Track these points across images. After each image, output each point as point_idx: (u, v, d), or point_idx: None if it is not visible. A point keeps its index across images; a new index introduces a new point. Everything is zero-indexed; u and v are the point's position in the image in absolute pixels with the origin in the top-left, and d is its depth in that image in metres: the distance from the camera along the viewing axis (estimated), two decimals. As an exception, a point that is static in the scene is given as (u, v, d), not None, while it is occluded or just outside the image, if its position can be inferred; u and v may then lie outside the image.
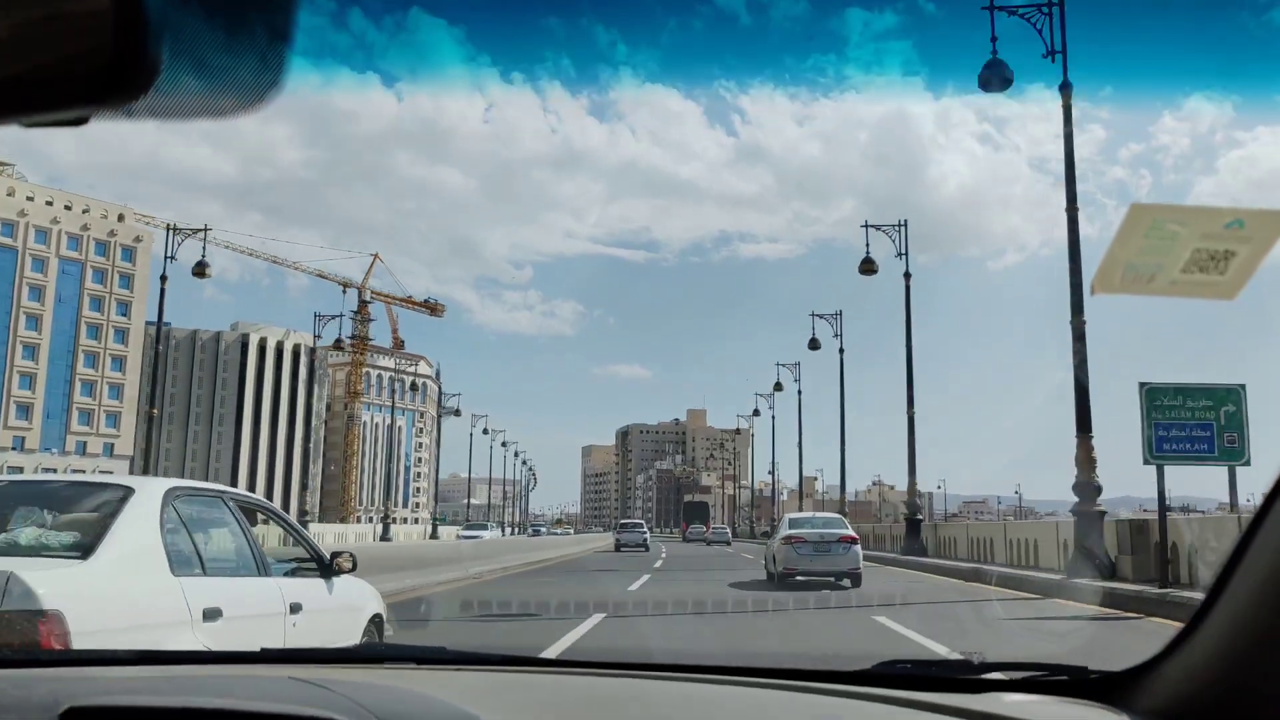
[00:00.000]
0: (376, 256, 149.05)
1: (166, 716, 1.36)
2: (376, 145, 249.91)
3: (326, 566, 5.36)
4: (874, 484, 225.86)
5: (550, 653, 3.72)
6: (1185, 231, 1.13)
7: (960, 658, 1.73)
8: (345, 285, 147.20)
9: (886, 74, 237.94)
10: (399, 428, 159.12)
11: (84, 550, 3.85)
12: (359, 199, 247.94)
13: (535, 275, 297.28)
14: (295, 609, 4.82)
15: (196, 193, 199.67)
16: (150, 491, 4.27)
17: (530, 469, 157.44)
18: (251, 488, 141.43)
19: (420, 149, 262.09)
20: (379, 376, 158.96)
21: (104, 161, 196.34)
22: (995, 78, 17.86)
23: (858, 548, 17.65)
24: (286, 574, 5.16)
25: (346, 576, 5.52)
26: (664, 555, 36.36)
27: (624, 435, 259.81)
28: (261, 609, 4.62)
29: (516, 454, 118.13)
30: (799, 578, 17.35)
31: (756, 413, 66.77)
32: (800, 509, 47.34)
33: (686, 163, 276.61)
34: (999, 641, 10.33)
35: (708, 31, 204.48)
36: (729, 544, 59.10)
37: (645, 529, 48.30)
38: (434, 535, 62.06)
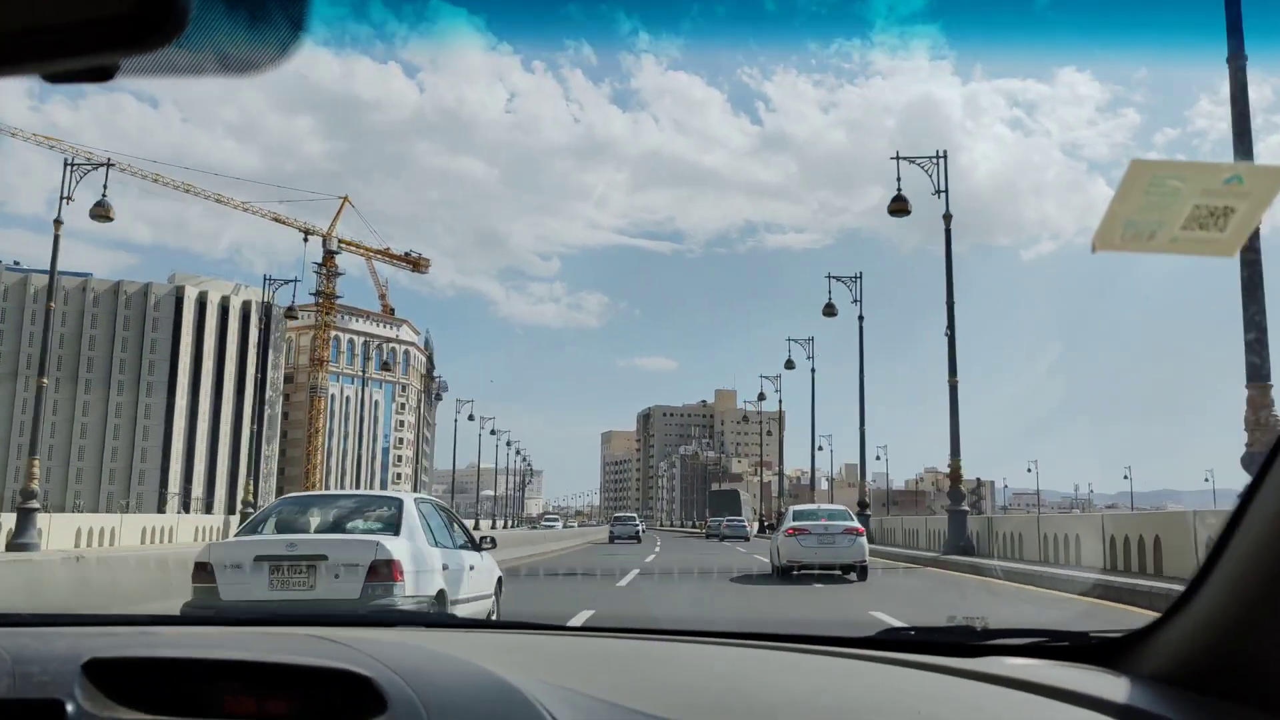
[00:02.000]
0: (345, 200, 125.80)
1: (185, 668, 1.38)
2: (398, 136, 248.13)
3: (477, 545, 8.91)
4: (924, 472, 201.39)
5: None
6: (1185, 188, 1.12)
7: (963, 623, 1.75)
8: (306, 231, 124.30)
9: (913, 59, 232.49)
10: (375, 402, 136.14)
11: (394, 530, 7.38)
12: (380, 190, 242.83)
13: (561, 267, 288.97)
14: (471, 567, 8.34)
15: (220, 186, 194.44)
16: (410, 499, 8.07)
17: (527, 462, 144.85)
18: (189, 469, 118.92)
19: (442, 139, 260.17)
20: (350, 342, 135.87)
21: (127, 152, 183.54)
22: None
23: (863, 540, 17.45)
24: (459, 547, 8.44)
25: (488, 551, 9.18)
26: (657, 548, 35.77)
27: (645, 419, 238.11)
28: (460, 566, 8.02)
29: (509, 444, 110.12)
30: (803, 570, 17.19)
31: (762, 396, 63.26)
32: (831, 499, 44.37)
33: (710, 151, 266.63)
34: None
35: (730, 17, 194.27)
36: (747, 539, 49.31)
37: (638, 522, 52.53)
38: None
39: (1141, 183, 1.12)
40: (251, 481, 41.47)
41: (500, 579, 9.45)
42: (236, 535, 8.45)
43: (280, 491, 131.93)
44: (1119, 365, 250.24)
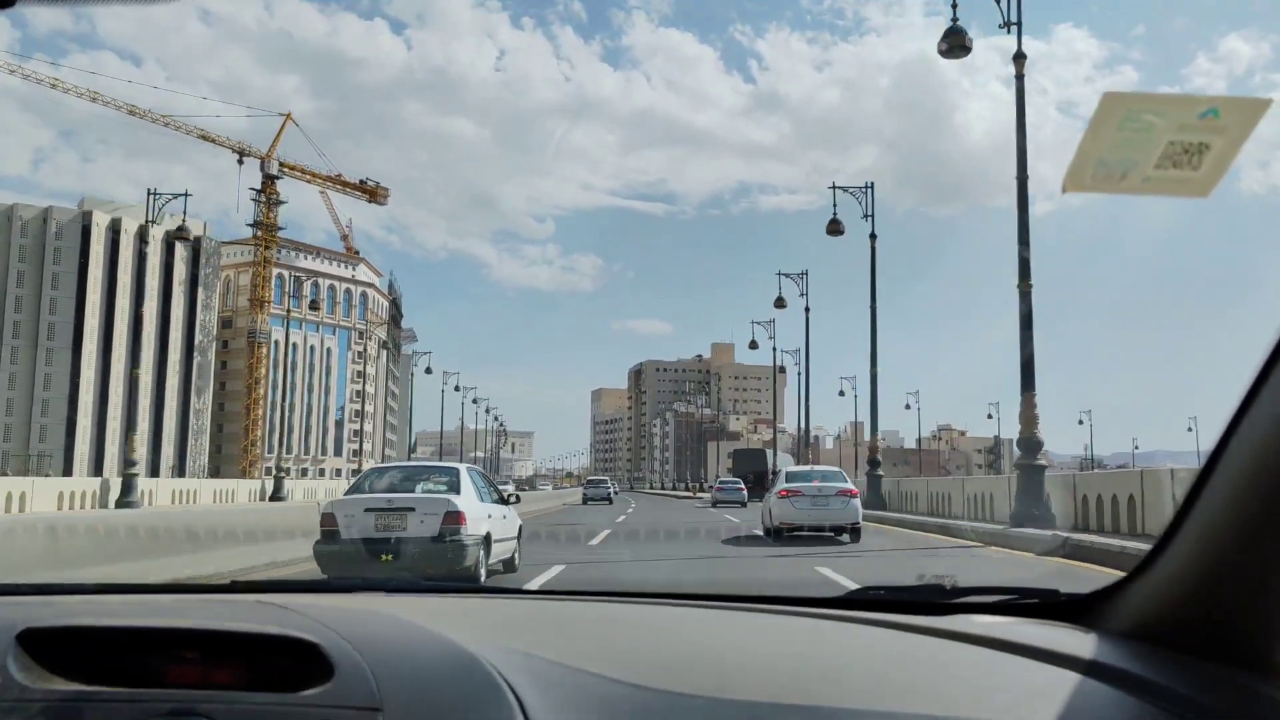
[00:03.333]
0: (288, 118, 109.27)
1: (128, 637, 1.34)
2: (386, 94, 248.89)
3: (505, 500, 11.85)
4: (937, 430, 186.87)
5: None
6: (1160, 123, 1.07)
7: (933, 582, 1.75)
8: (240, 152, 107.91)
9: (907, 14, 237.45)
10: (328, 350, 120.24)
11: (455, 490, 10.24)
12: (370, 150, 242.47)
13: (555, 229, 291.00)
14: (504, 517, 11.30)
15: (207, 147, 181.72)
16: (464, 469, 10.98)
17: (502, 426, 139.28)
18: (100, 426, 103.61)
19: (431, 99, 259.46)
20: (296, 280, 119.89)
21: (112, 116, 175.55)
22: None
23: (857, 501, 17.01)
24: (495, 502, 11.29)
25: (513, 506, 12.20)
26: (630, 510, 36.16)
27: (637, 374, 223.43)
28: (498, 515, 10.90)
29: (488, 410, 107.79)
30: (796, 532, 16.85)
31: (754, 345, 56.44)
32: (839, 459, 47.98)
33: (703, 110, 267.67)
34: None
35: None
36: (742, 504, 39.61)
37: (610, 485, 56.36)
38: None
39: (1114, 118, 1.07)
40: (135, 438, 30.58)
41: (520, 526, 12.37)
42: (346, 494, 11.10)
43: (218, 451, 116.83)
44: (1115, 325, 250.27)
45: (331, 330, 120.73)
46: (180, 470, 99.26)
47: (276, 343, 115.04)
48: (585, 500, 46.66)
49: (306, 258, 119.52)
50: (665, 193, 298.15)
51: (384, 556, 9.62)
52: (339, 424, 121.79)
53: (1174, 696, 1.14)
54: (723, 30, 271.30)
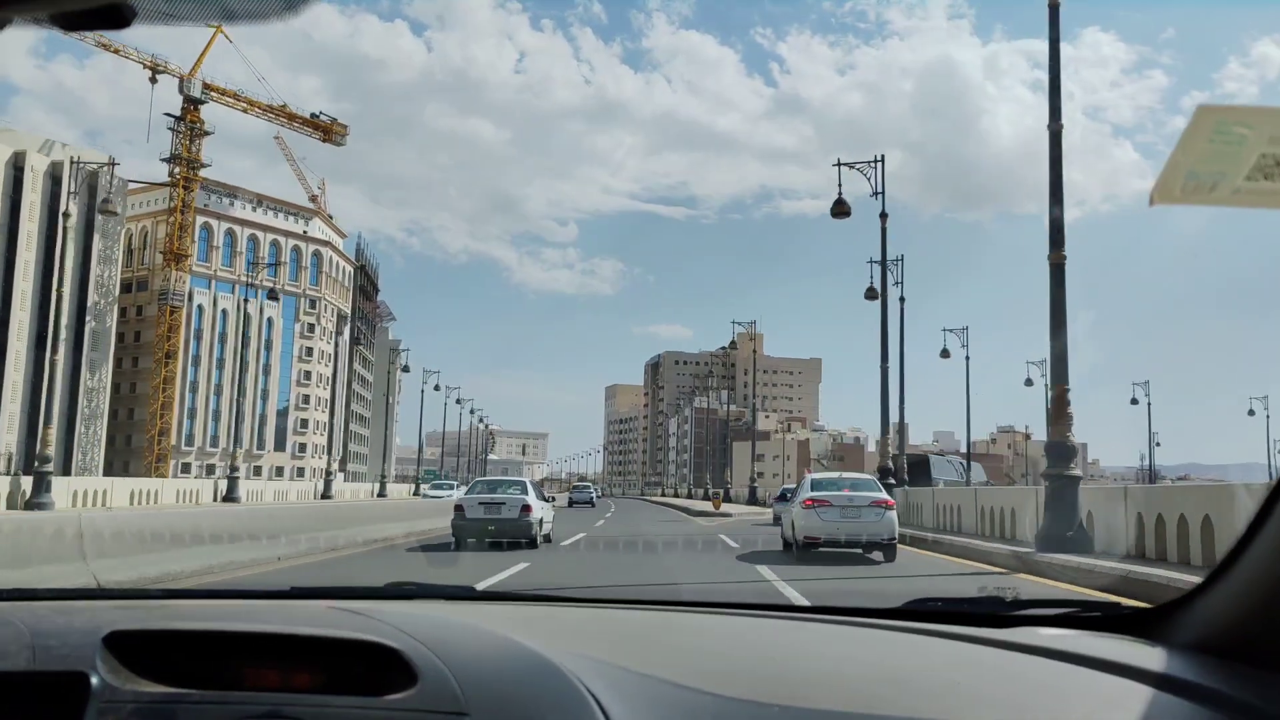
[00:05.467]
0: (219, 30, 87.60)
1: (206, 641, 1.36)
2: (407, 96, 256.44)
3: (545, 500, 19.08)
4: (996, 433, 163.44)
5: None
6: (1253, 135, 1.04)
7: (991, 595, 1.75)
8: (153, 68, 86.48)
9: (931, 17, 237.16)
10: (268, 320, 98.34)
11: (524, 493, 17.46)
12: (391, 152, 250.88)
13: (578, 233, 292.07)
14: (548, 508, 18.66)
15: (229, 147, 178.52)
16: (528, 481, 19.00)
17: (488, 428, 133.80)
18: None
19: (451, 100, 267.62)
20: (229, 234, 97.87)
21: (137, 116, 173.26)
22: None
23: (893, 514, 15.37)
24: (543, 500, 18.47)
25: (550, 503, 19.96)
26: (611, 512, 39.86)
27: (654, 368, 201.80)
28: (546, 508, 18.34)
29: (473, 412, 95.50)
30: (823, 547, 15.24)
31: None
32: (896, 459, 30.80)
33: (724, 113, 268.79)
34: None
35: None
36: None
37: (593, 490, 61.57)
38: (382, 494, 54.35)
39: (1206, 130, 1.04)
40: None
41: (554, 515, 20.01)
42: (466, 494, 18.60)
43: (127, 443, 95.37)
44: (1148, 336, 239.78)
45: (274, 296, 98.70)
46: (65, 466, 77.58)
47: (200, 308, 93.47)
48: (571, 504, 49.07)
49: (242, 205, 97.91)
50: (686, 196, 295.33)
51: (489, 527, 16.61)
52: (283, 412, 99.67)
53: (1246, 709, 1.12)
54: (743, 33, 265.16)
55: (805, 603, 1.90)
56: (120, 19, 0.64)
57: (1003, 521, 17.51)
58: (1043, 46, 15.77)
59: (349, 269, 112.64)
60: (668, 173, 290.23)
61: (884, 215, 25.69)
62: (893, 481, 23.17)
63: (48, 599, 1.81)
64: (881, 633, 1.59)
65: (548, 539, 17.84)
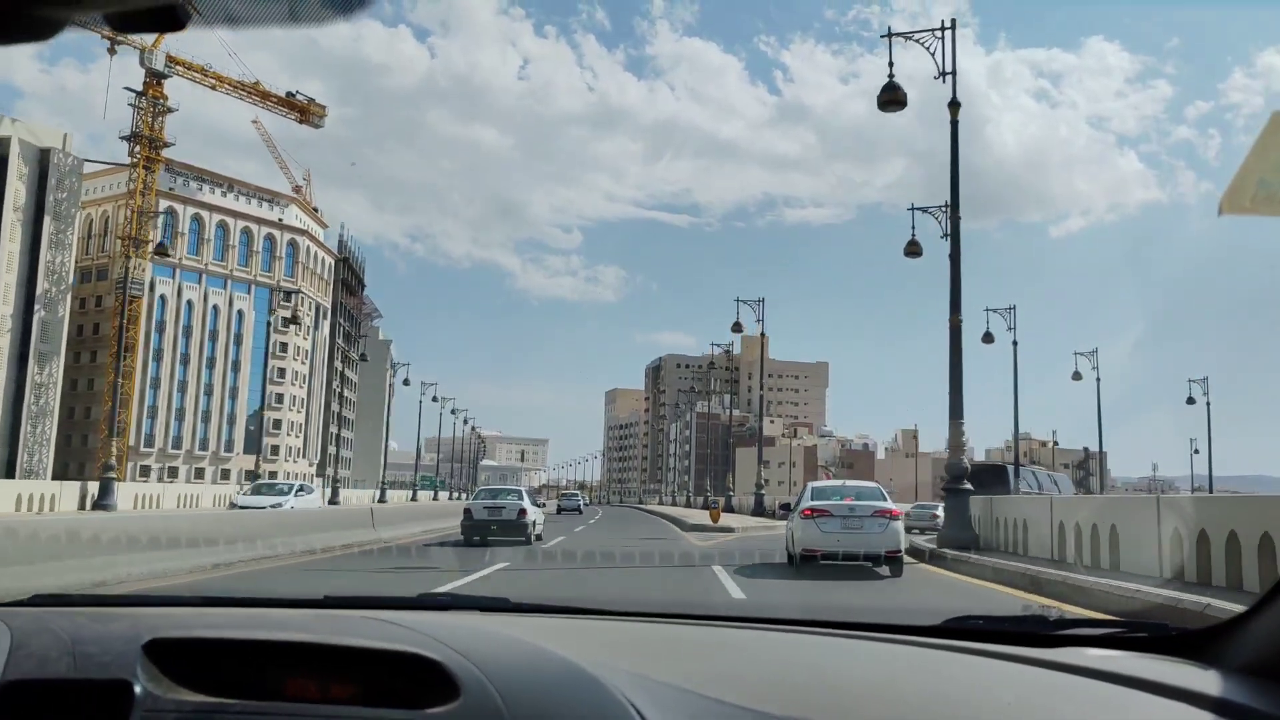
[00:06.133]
0: None
1: (246, 650, 1.36)
2: (410, 102, 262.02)
3: (538, 505, 23.80)
4: (1009, 441, 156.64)
5: None
6: None
7: (1035, 613, 1.75)
8: (112, 39, 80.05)
9: (935, 26, 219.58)
10: (238, 313, 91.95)
11: (521, 499, 21.58)
12: (395, 157, 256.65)
13: (583, 240, 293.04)
14: (540, 512, 23.66)
15: (233, 150, 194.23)
16: (524, 490, 24.08)
17: (480, 436, 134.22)
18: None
19: (454, 106, 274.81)
20: (196, 220, 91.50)
21: (99, 95, 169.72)
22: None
23: (898, 524, 14.45)
24: (535, 505, 22.85)
25: (542, 508, 25.81)
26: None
27: (655, 372, 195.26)
28: (538, 511, 23.20)
29: (466, 420, 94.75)
30: (824, 560, 14.21)
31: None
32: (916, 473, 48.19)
33: (727, 121, 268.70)
34: None
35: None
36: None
37: (580, 498, 64.95)
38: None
39: None
40: None
41: (544, 517, 25.07)
42: (473, 500, 22.32)
43: (84, 443, 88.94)
44: (1155, 344, 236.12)
45: (246, 288, 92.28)
46: (9, 468, 71.27)
47: (163, 299, 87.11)
48: (559, 510, 52.06)
49: (211, 190, 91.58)
50: (689, 204, 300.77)
51: (492, 526, 20.37)
52: (255, 413, 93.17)
53: None
54: (747, 41, 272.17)
55: (849, 619, 1.82)
56: (176, 20, 0.63)
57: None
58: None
59: (330, 261, 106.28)
60: (671, 180, 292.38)
61: (955, 104, 20.95)
62: (968, 486, 18.90)
63: (84, 605, 1.82)
64: (923, 650, 1.55)
65: (539, 538, 21.50)
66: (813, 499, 14.87)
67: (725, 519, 32.25)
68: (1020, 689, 1.34)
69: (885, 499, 15.04)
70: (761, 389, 48.99)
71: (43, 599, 1.81)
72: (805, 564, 14.15)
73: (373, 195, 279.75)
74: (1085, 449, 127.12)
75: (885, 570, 14.10)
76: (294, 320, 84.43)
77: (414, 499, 60.09)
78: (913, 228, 24.15)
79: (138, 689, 1.24)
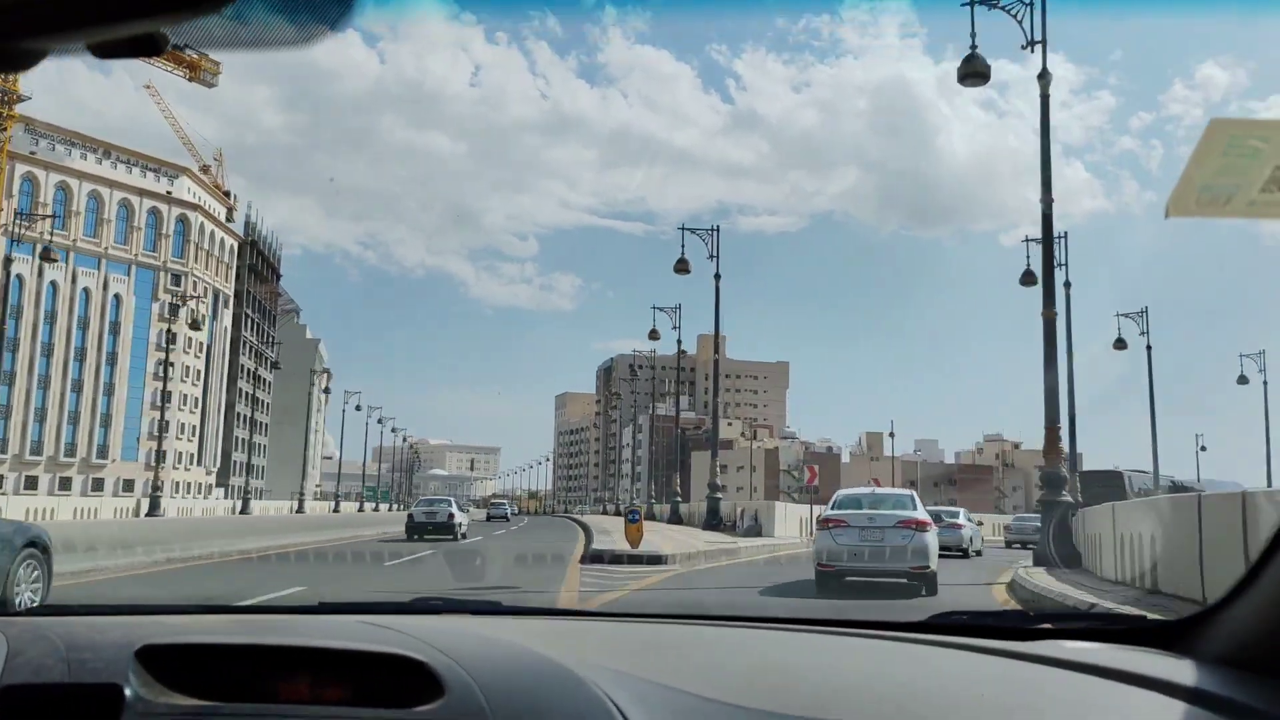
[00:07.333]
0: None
1: (238, 654, 1.39)
2: (361, 108, 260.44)
3: (464, 512, 32.62)
4: (984, 442, 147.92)
5: None
6: (1267, 148, 1.05)
7: (1016, 608, 1.88)
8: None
9: (884, 36, 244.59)
10: (115, 298, 79.79)
11: (451, 506, 30.87)
12: (348, 164, 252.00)
13: (539, 248, 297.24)
14: (467, 515, 33.63)
15: (179, 157, 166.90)
16: (453, 500, 32.29)
17: (413, 447, 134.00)
18: None
19: (406, 112, 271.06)
20: (61, 189, 79.20)
21: (85, 125, 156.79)
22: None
23: (929, 536, 12.78)
24: (463, 510, 32.31)
25: (467, 513, 34.41)
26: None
27: (607, 374, 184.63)
28: (465, 515, 32.45)
29: (395, 430, 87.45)
30: (848, 576, 12.79)
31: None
32: (891, 477, 44.40)
33: (681, 129, 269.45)
34: None
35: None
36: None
37: (508, 506, 68.05)
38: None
39: (1220, 143, 1.05)
40: None
41: (469, 520, 33.74)
42: (415, 507, 30.99)
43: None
44: (1101, 351, 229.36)
45: (125, 269, 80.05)
46: None
47: (20, 279, 74.71)
48: (489, 518, 56.83)
49: (84, 155, 79.40)
50: (644, 211, 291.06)
51: (429, 526, 28.13)
52: (133, 413, 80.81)
53: None
54: (699, 49, 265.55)
55: (833, 616, 1.83)
56: (154, 46, 0.64)
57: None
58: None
59: (232, 243, 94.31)
60: (625, 186, 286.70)
61: (1044, 75, 19.47)
62: (1066, 496, 16.17)
63: (80, 614, 1.84)
64: (906, 646, 1.58)
65: (464, 535, 28.81)
66: (833, 507, 13.56)
67: (659, 535, 21.57)
68: (997, 682, 1.36)
69: (915, 507, 13.39)
70: (715, 381, 38.68)
71: (40, 609, 1.86)
72: (826, 583, 12.63)
73: (324, 202, 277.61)
74: (1060, 449, 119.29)
75: (923, 590, 12.42)
76: (182, 301, 72.53)
77: (336, 510, 62.84)
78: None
79: (128, 692, 1.28)
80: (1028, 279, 26.56)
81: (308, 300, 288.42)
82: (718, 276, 35.74)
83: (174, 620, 1.79)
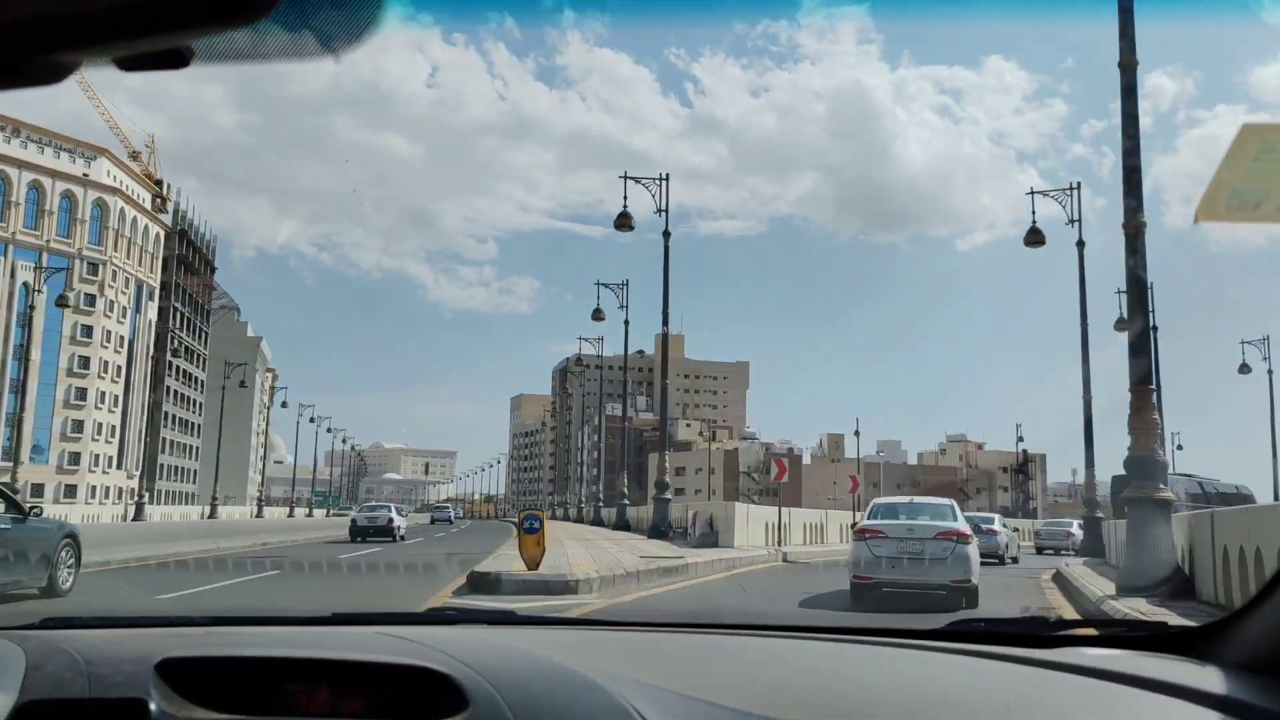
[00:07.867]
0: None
1: (257, 667, 1.40)
2: (315, 108, 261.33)
3: (402, 516, 35.98)
4: (947, 442, 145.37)
5: None
6: None
7: (1035, 615, 1.88)
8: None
9: (841, 42, 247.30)
10: (21, 286, 73.98)
11: (390, 512, 34.95)
12: (303, 165, 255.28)
13: (497, 251, 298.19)
14: (404, 519, 36.46)
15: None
16: (393, 508, 35.68)
17: (359, 454, 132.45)
18: None
19: (361, 113, 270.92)
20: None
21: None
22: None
23: (970, 549, 12.40)
24: (401, 515, 35.70)
25: (405, 517, 37.35)
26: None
27: (563, 374, 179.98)
28: (402, 519, 35.39)
29: (345, 441, 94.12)
30: (885, 588, 12.22)
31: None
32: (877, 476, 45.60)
33: (640, 132, 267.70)
34: None
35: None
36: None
37: (451, 510, 76.35)
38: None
39: (1251, 148, 1.04)
40: None
41: (406, 524, 36.04)
42: (358, 512, 35.58)
43: None
44: (1061, 354, 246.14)
45: (34, 257, 74.15)
46: None
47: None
48: (432, 521, 62.70)
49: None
50: (603, 215, 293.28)
51: (370, 531, 31.73)
52: (45, 413, 74.88)
53: None
54: (658, 53, 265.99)
55: (851, 624, 1.85)
56: (179, 60, 0.65)
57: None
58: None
59: (159, 232, 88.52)
60: (584, 189, 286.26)
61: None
62: (1165, 491, 12.30)
63: (95, 626, 1.84)
64: (926, 654, 1.58)
65: (403, 537, 32.22)
66: (869, 517, 13.37)
67: (581, 549, 17.11)
68: (1020, 690, 1.35)
69: (955, 518, 12.97)
70: (664, 350, 34.21)
71: (53, 621, 1.88)
72: (861, 595, 12.19)
73: (277, 202, 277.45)
74: (1023, 452, 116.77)
75: (963, 602, 11.89)
76: (77, 290, 67.12)
77: (291, 515, 62.56)
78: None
79: (153, 707, 1.27)
80: (1033, 236, 27.16)
81: (261, 302, 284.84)
82: (667, 234, 31.31)
83: (191, 632, 1.78)
